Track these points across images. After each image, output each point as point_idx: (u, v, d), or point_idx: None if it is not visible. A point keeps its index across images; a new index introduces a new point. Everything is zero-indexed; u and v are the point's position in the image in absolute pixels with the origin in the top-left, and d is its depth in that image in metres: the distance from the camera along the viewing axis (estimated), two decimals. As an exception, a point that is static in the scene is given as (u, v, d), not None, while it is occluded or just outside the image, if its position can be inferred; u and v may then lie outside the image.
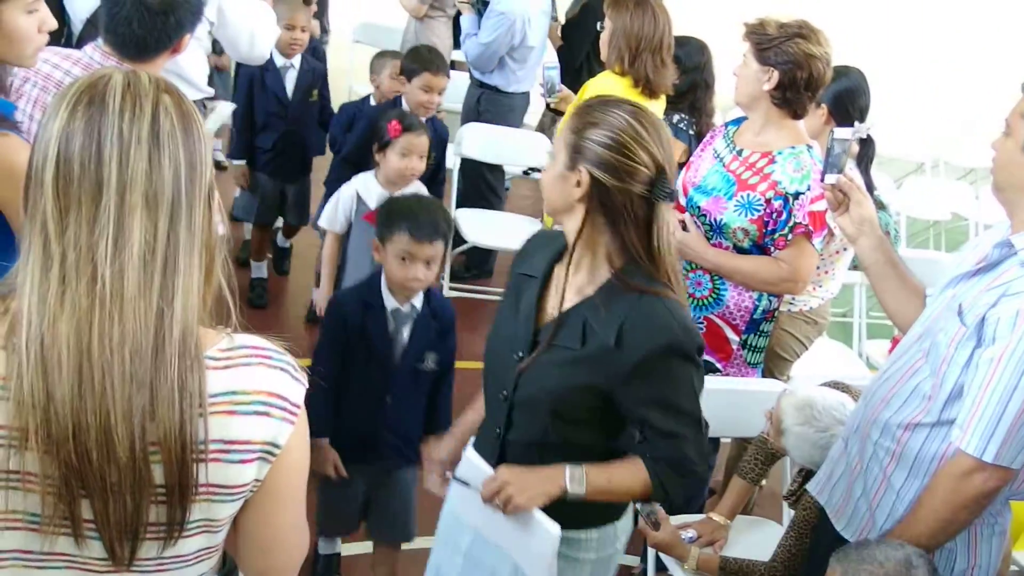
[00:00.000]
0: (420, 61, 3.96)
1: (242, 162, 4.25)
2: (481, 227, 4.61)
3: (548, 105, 4.59)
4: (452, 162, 4.74)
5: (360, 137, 3.83)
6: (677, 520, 2.61)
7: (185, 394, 1.02)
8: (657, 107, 3.63)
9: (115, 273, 1.01)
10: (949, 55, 8.53)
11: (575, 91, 3.96)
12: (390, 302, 2.56)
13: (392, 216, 2.57)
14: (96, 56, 2.17)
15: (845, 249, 3.09)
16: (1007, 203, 1.83)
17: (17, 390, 0.99)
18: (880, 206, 3.20)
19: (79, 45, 2.47)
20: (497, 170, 4.94)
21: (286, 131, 4.17)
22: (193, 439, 1.03)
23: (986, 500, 1.74)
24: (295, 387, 1.13)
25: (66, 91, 1.06)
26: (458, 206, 4.72)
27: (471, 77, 4.96)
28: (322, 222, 3.42)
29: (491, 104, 4.83)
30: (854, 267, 3.33)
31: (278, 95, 4.14)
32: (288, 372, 1.13)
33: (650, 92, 3.51)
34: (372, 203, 3.24)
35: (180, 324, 1.03)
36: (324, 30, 5.70)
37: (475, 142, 4.69)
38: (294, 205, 4.37)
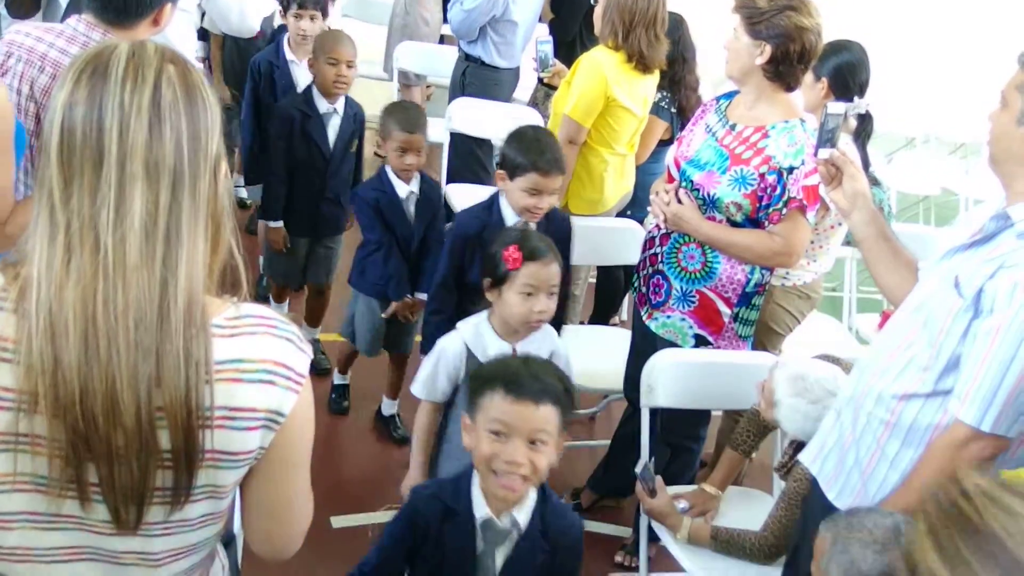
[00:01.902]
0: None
1: (279, 224, 3.62)
2: (471, 202, 4.58)
3: (541, 80, 4.57)
4: (442, 137, 4.72)
5: (446, 266, 2.88)
6: (670, 491, 2.63)
7: (191, 361, 1.03)
8: (650, 82, 3.62)
9: (117, 242, 1.01)
10: (940, 29, 8.51)
11: (568, 65, 3.94)
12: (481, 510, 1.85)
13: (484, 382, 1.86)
14: (80, 27, 2.15)
15: (840, 224, 3.10)
16: (1003, 176, 1.84)
17: (27, 354, 1.00)
18: (874, 182, 3.21)
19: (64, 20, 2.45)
20: (486, 145, 4.92)
21: (322, 186, 3.62)
22: (199, 405, 1.04)
23: (982, 469, 1.76)
24: (300, 357, 1.15)
25: (74, 61, 1.06)
26: (448, 181, 4.71)
27: (459, 50, 4.93)
28: (416, 389, 2.47)
29: (475, 77, 4.80)
30: (846, 242, 3.35)
31: (320, 146, 3.57)
32: (293, 342, 1.14)
33: (644, 67, 3.50)
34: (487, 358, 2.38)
35: (185, 293, 1.04)
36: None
37: (465, 117, 4.67)
38: (320, 263, 3.79)
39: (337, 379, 3.73)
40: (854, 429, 1.95)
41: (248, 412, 1.10)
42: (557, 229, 2.89)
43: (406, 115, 3.24)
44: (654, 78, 3.62)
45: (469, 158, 4.83)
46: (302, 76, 3.90)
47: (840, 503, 1.97)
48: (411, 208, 3.30)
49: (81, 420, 1.00)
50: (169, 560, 1.17)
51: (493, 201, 2.88)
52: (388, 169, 3.25)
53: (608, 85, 3.44)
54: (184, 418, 1.03)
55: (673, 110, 3.94)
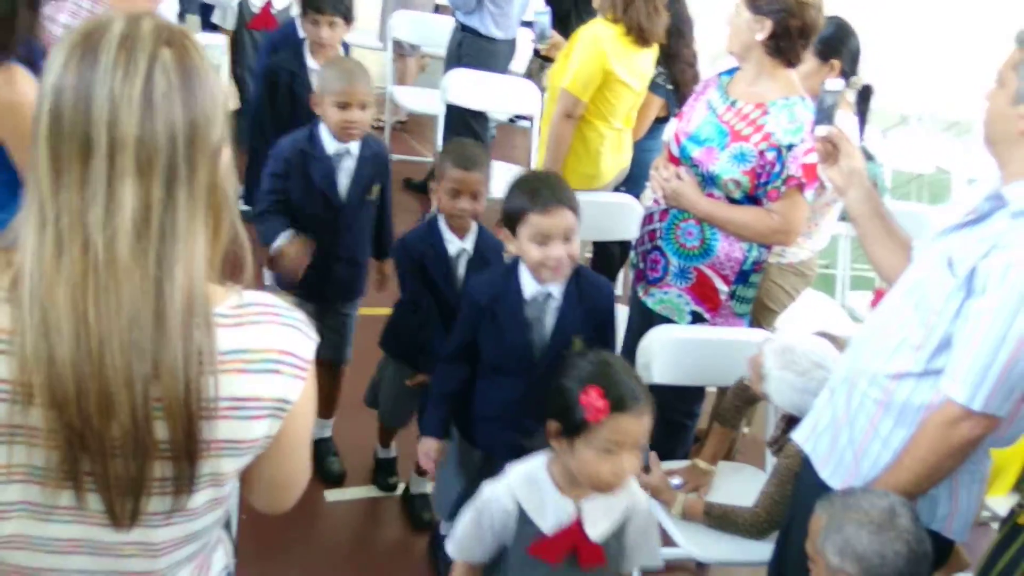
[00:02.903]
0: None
1: (286, 236, 2.79)
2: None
3: (537, 52, 4.55)
4: (437, 108, 4.70)
5: (459, 337, 2.43)
6: (663, 467, 2.65)
7: (192, 355, 1.00)
8: (649, 56, 3.61)
9: (107, 241, 0.97)
10: (935, 5, 8.49)
11: (565, 37, 3.92)
12: None
13: None
14: (84, 3, 2.13)
15: (835, 201, 3.11)
16: (998, 156, 1.84)
17: (21, 347, 0.97)
18: (868, 157, 3.22)
19: None
20: (481, 117, 4.91)
21: (333, 242, 2.87)
22: (200, 397, 1.01)
23: (971, 447, 1.78)
24: (305, 343, 1.13)
25: (63, 41, 1.00)
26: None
27: (455, 20, 4.91)
28: (451, 549, 1.96)
29: (471, 48, 4.77)
30: (840, 219, 3.36)
31: (327, 193, 2.83)
32: (298, 329, 1.12)
33: (642, 40, 3.48)
34: (547, 525, 1.84)
35: (183, 291, 1.00)
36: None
37: (460, 88, 4.64)
38: (331, 335, 3.00)
39: (380, 452, 3.19)
40: (848, 408, 1.97)
41: (254, 402, 1.08)
42: (592, 295, 2.35)
43: (462, 151, 2.67)
44: (652, 52, 3.60)
45: (464, 130, 4.81)
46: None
47: (833, 482, 1.99)
48: (461, 269, 2.68)
49: (76, 416, 0.97)
50: (171, 549, 1.15)
51: (512, 269, 2.35)
52: (441, 219, 2.66)
53: (607, 59, 3.43)
54: (183, 412, 1.00)
55: (669, 86, 3.92)
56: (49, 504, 1.05)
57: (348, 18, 3.47)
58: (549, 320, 2.30)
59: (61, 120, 0.97)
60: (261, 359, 1.08)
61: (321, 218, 2.83)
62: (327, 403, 3.12)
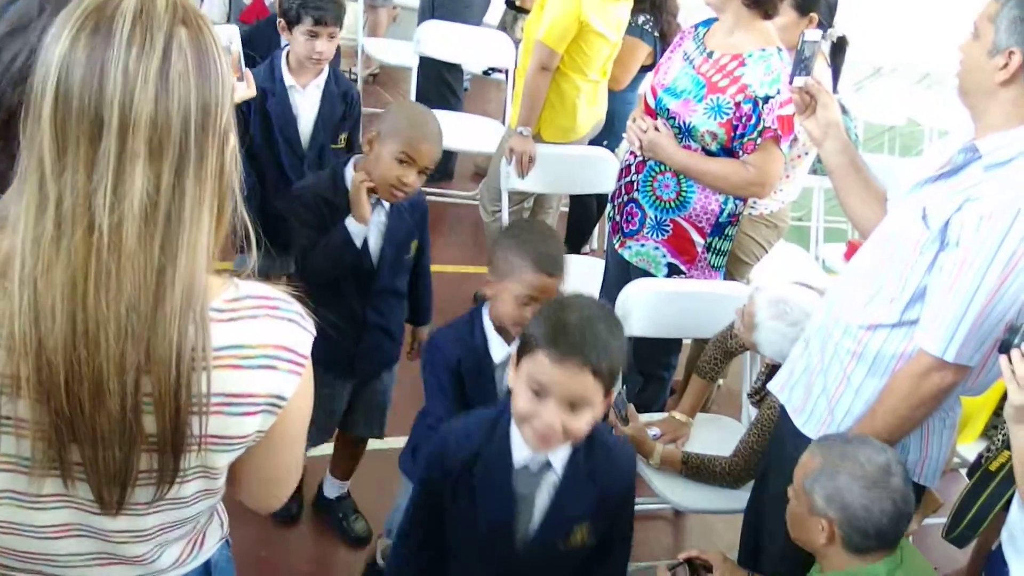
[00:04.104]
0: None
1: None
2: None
3: (511, 3, 4.50)
4: (411, 61, 4.65)
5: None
6: (641, 419, 2.69)
7: (184, 350, 0.97)
8: (624, 7, 3.58)
9: (113, 225, 0.93)
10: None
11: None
12: None
13: None
14: None
15: (807, 153, 3.12)
16: (972, 108, 1.84)
17: (8, 336, 0.94)
18: (842, 110, 3.22)
19: None
20: (455, 69, 4.86)
21: (363, 306, 2.48)
22: (190, 394, 0.99)
23: (943, 396, 1.82)
24: (303, 337, 1.09)
25: (72, 10, 0.94)
26: (417, 107, 4.65)
27: (429, -29, 4.84)
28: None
29: None
30: (812, 171, 3.37)
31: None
32: (296, 322, 1.09)
33: (618, -10, 3.45)
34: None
35: (183, 280, 0.97)
36: None
37: (433, 40, 4.59)
38: (363, 411, 2.66)
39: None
40: (822, 358, 2.00)
41: (247, 398, 1.05)
42: (608, 471, 1.77)
43: (545, 246, 2.07)
44: (628, 3, 3.57)
45: (438, 82, 4.77)
46: (306, 107, 2.93)
47: (808, 430, 2.02)
48: (505, 380, 2.02)
49: (66, 404, 0.95)
50: (160, 533, 1.15)
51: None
52: (485, 315, 2.13)
53: (582, 10, 3.39)
54: (172, 408, 0.98)
55: (656, 34, 3.90)
56: (35, 493, 1.03)
57: (340, 25, 2.95)
58: (542, 499, 1.73)
59: (69, 97, 0.92)
60: (257, 355, 1.05)
61: (347, 279, 2.41)
62: (346, 467, 2.81)
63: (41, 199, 0.93)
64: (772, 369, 2.45)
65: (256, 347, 1.05)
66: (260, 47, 3.21)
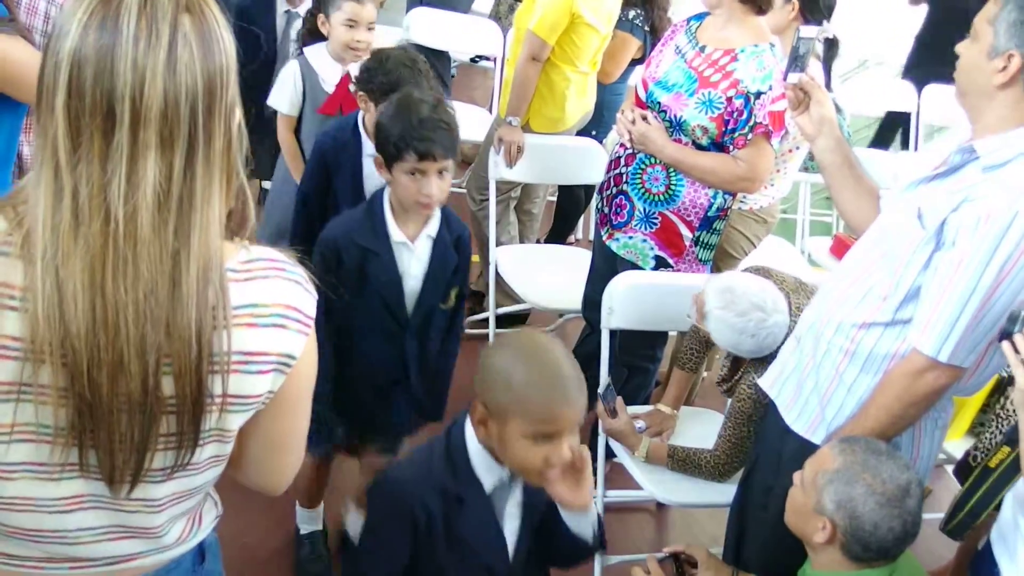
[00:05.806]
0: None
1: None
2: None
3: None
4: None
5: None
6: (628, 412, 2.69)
7: (206, 315, 1.00)
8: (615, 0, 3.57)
9: (128, 214, 0.96)
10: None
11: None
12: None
13: None
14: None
15: (797, 148, 3.11)
16: (970, 109, 1.84)
17: (34, 313, 0.96)
18: (836, 108, 3.22)
19: None
20: (443, 56, 4.82)
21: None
22: (211, 356, 1.02)
23: (936, 397, 1.82)
24: (308, 299, 1.13)
25: (78, 4, 0.96)
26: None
27: (417, -43, 4.79)
28: None
29: None
30: (803, 169, 3.37)
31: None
32: (301, 284, 1.13)
33: (610, -18, 3.43)
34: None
35: (198, 259, 1.00)
36: None
37: (423, 27, 4.56)
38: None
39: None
40: (814, 356, 2.00)
41: (261, 356, 1.09)
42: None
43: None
44: (619, -6, 3.56)
45: (426, 69, 4.73)
46: (413, 263, 2.26)
47: (798, 427, 2.02)
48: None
49: (87, 387, 0.98)
50: (170, 504, 1.16)
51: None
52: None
53: (574, 1, 3.38)
54: (193, 368, 1.01)
55: (646, 28, 3.89)
56: (55, 463, 1.04)
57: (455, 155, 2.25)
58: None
59: (82, 93, 0.95)
60: (269, 313, 1.08)
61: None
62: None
63: (57, 189, 0.97)
64: (736, 358, 2.45)
65: (269, 306, 1.08)
66: (258, 18, 3.25)
